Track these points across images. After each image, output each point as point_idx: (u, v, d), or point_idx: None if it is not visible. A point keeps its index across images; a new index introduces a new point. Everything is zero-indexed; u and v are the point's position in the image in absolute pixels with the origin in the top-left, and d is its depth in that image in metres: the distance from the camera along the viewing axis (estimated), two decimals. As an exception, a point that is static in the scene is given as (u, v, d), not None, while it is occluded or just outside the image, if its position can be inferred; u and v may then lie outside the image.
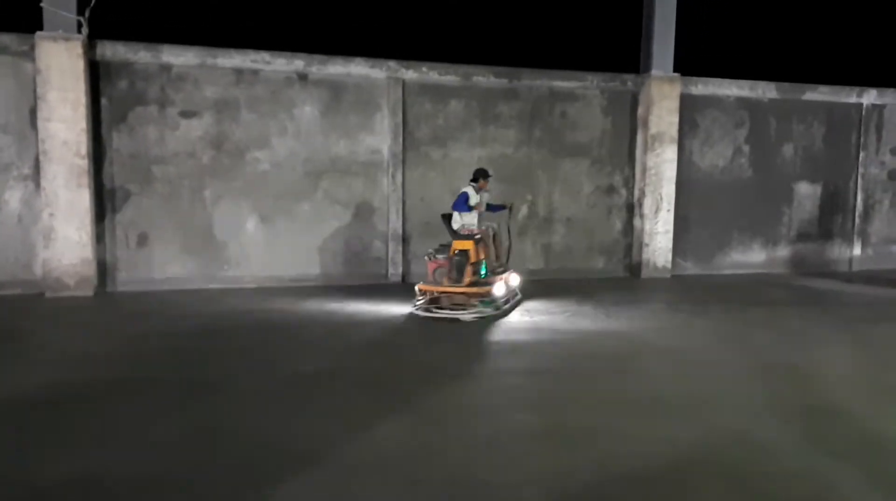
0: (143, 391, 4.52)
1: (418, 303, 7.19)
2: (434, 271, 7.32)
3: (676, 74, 9.93)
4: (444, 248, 7.39)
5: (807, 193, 10.96)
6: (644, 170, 10.02)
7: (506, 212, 8.09)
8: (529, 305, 7.69)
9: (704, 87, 10.33)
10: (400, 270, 9.31)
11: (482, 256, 7.38)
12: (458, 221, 7.59)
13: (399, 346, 5.93)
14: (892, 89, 11.09)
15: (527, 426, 3.94)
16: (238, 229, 8.77)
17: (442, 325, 6.71)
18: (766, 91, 10.58)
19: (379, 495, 3.09)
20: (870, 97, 11.01)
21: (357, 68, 8.95)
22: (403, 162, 9.21)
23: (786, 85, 10.64)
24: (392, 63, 9.04)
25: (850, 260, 11.24)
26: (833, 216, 11.13)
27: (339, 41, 9.48)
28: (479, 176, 7.72)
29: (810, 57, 12.39)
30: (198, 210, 8.63)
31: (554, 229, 9.94)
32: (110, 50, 8.16)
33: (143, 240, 8.47)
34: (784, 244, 10.94)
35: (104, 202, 8.30)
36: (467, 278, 7.06)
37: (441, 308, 7.07)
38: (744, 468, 3.42)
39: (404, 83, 9.11)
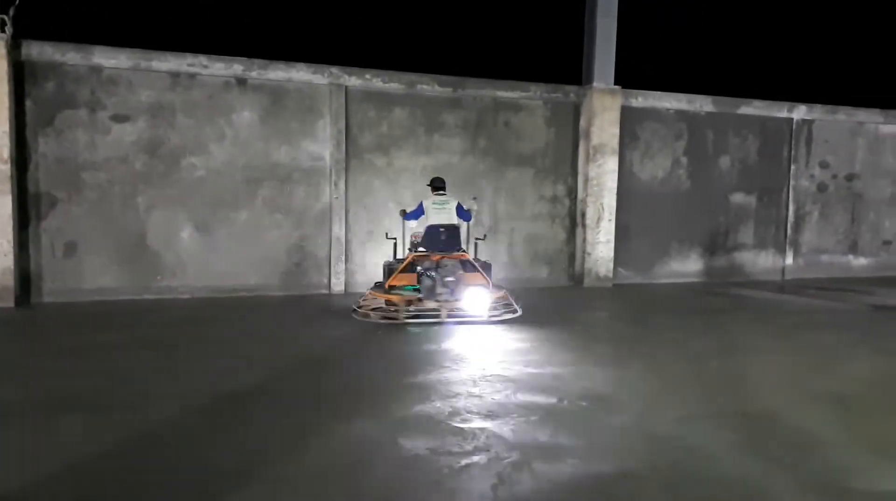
0: (57, 410, 4.26)
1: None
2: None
3: (617, 87, 10.11)
4: (432, 262, 7.15)
5: (742, 204, 11.29)
6: (586, 180, 10.14)
7: (471, 221, 8.06)
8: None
9: (644, 99, 10.54)
10: (343, 279, 9.14)
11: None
12: (462, 230, 7.62)
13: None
14: (820, 105, 11.55)
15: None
16: (173, 237, 8.47)
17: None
18: (703, 105, 10.87)
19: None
20: (800, 112, 11.43)
21: (298, 74, 8.78)
22: (346, 170, 9.07)
23: (722, 99, 10.96)
24: (334, 69, 8.91)
25: (783, 269, 11.62)
26: (767, 227, 11.49)
27: (279, 46, 9.33)
28: (442, 185, 7.80)
29: (744, 72, 12.84)
30: (130, 218, 8.30)
31: (498, 238, 9.94)
32: (36, 50, 7.80)
33: (70, 249, 8.08)
34: (720, 254, 11.24)
35: (28, 209, 7.89)
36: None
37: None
38: (679, 473, 3.42)
39: (347, 90, 8.99)
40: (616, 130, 10.14)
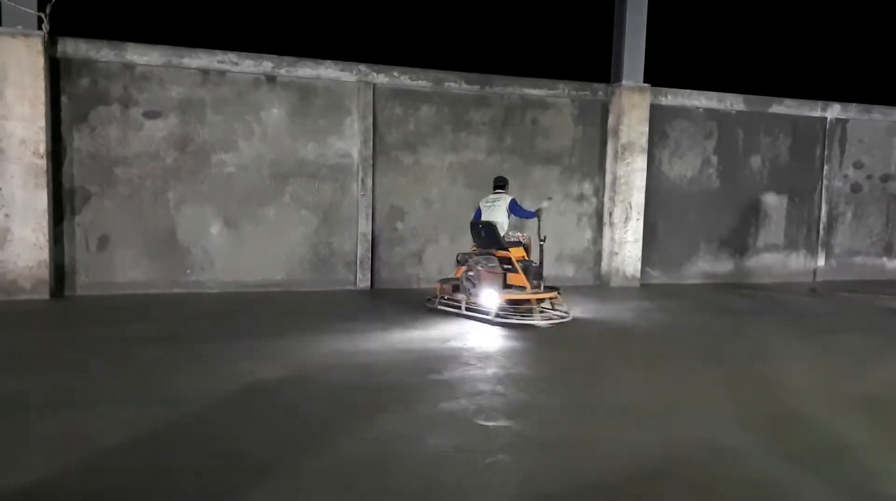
0: (84, 402, 4.34)
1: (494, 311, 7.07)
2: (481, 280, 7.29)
3: (647, 85, 10.01)
4: (471, 256, 7.49)
5: (773, 204, 11.11)
6: (614, 179, 10.06)
7: (535, 219, 7.92)
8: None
9: (674, 98, 10.42)
10: (369, 276, 9.19)
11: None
12: (502, 228, 7.49)
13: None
14: (854, 104, 11.32)
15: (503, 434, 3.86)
16: (202, 232, 8.58)
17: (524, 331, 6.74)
18: (733, 103, 10.72)
19: None
20: (833, 111, 11.21)
21: (327, 71, 8.84)
22: (373, 167, 9.11)
23: (753, 97, 10.79)
24: (362, 67, 8.95)
25: (815, 271, 11.41)
26: (798, 228, 11.30)
27: (308, 43, 9.39)
28: (505, 183, 7.88)
29: (776, 70, 12.62)
30: (161, 213, 8.42)
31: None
32: (72, 47, 7.94)
33: (103, 243, 8.23)
34: (750, 255, 11.07)
35: (63, 203, 8.05)
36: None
37: (523, 315, 7.10)
38: (709, 475, 3.38)
39: (375, 87, 9.03)
40: (645, 129, 10.04)
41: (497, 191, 7.81)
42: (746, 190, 10.95)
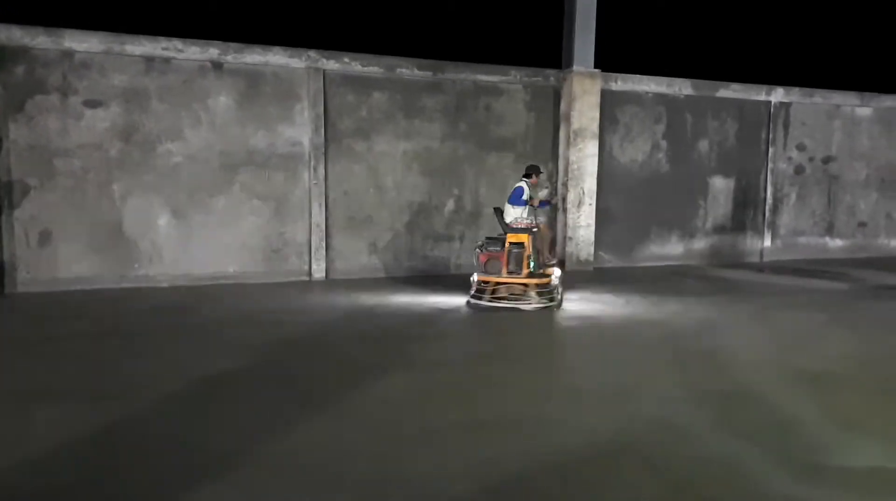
0: (31, 399, 4.20)
1: (474, 293, 7.30)
2: (486, 262, 7.36)
3: (597, 70, 10.10)
4: (494, 240, 7.50)
5: (721, 187, 11.37)
6: (567, 165, 10.14)
7: (549, 207, 8.07)
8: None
9: (624, 83, 10.54)
10: (324, 266, 9.09)
11: (537, 248, 7.59)
12: (510, 214, 7.62)
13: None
14: (797, 88, 11.63)
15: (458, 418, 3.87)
16: (149, 225, 8.36)
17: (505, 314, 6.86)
18: (682, 88, 10.90)
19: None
20: (777, 95, 11.50)
21: (275, 58, 8.67)
22: (326, 155, 8.99)
23: (701, 82, 10.99)
24: (312, 53, 8.80)
25: (762, 251, 11.74)
26: (745, 210, 11.59)
27: (256, 29, 9.19)
28: (532, 172, 7.89)
29: (723, 55, 12.87)
30: (105, 205, 8.17)
31: (480, 223, 9.92)
32: (5, 34, 7.61)
33: (45, 237, 7.95)
34: (700, 237, 11.32)
35: (0, 197, 7.74)
36: (525, 270, 7.27)
37: (498, 299, 7.29)
38: (660, 452, 3.46)
39: (325, 74, 8.89)
40: (596, 114, 10.14)
41: (522, 178, 7.89)
42: (695, 173, 11.18)
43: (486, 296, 7.33)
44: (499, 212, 7.78)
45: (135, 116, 8.20)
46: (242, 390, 4.42)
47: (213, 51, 8.43)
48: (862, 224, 12.45)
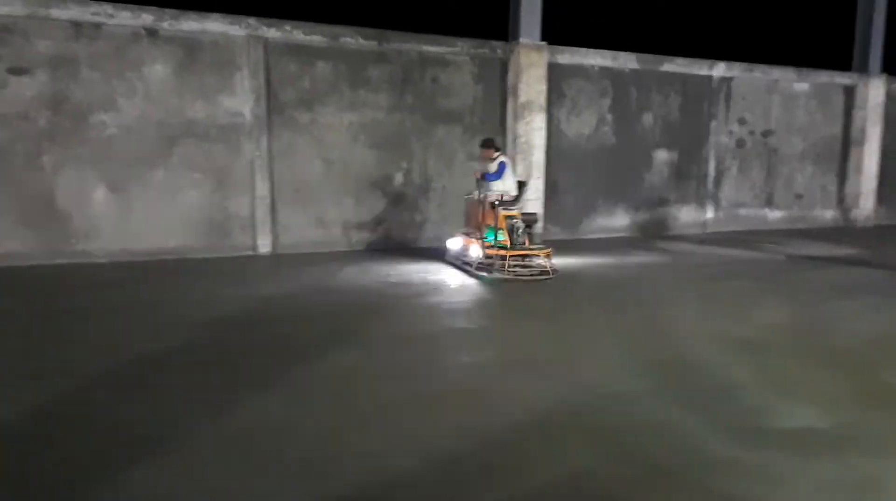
0: (-41, 379, 3.99)
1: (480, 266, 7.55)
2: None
3: (544, 43, 10.07)
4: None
5: (665, 159, 11.56)
6: (515, 138, 10.13)
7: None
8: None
9: (571, 56, 10.55)
10: (269, 241, 8.90)
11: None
12: (489, 188, 7.84)
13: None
14: (738, 63, 11.86)
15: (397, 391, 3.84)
16: (84, 198, 8.01)
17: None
18: (627, 62, 10.98)
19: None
20: (719, 70, 11.71)
21: (213, 25, 8.34)
22: (268, 126, 8.75)
23: (645, 56, 11.09)
24: (252, 20, 8.50)
25: (704, 223, 12.03)
26: (688, 182, 11.83)
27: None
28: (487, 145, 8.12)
29: (667, 30, 13.00)
30: (36, 178, 7.79)
31: (429, 196, 9.85)
32: (-83, -6, 7.11)
33: (-31, 213, 7.54)
34: (645, 209, 11.51)
35: (-82, 170, 7.29)
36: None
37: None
38: (604, 420, 3.50)
39: (266, 42, 8.62)
40: (543, 87, 10.13)
41: (495, 153, 8.07)
42: (640, 147, 11.32)
43: (499, 268, 7.47)
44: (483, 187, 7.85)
45: (63, 85, 7.80)
46: (181, 369, 4.29)
47: (146, 17, 8.05)
48: (798, 196, 12.87)
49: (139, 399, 3.72)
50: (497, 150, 8.10)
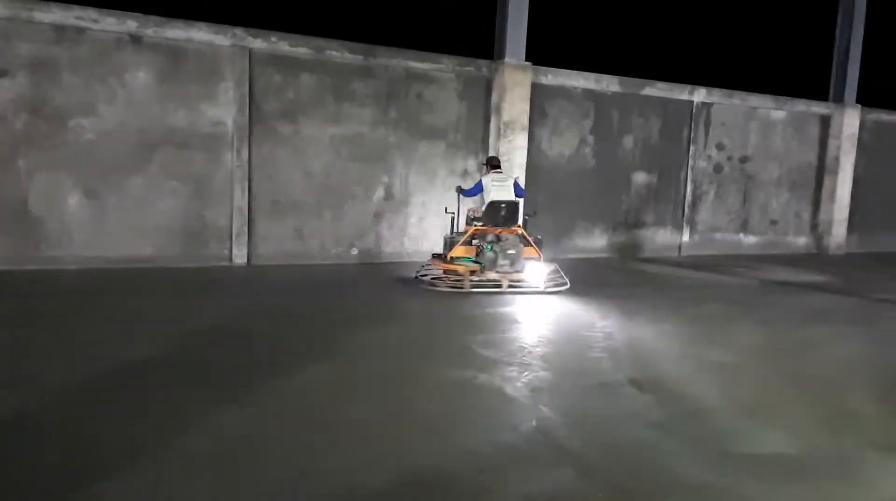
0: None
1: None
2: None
3: (528, 63, 10.17)
4: (484, 235, 7.83)
5: (644, 182, 11.69)
6: (497, 156, 10.17)
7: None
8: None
9: (554, 77, 10.67)
10: (246, 251, 8.83)
11: None
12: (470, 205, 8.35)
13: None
14: (717, 89, 12.07)
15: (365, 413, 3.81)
16: (58, 204, 7.90)
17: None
18: (609, 84, 11.13)
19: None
20: (699, 95, 11.91)
21: (199, 34, 8.32)
22: (250, 137, 8.71)
23: (627, 79, 11.25)
24: (238, 30, 8.49)
25: (680, 246, 12.16)
26: (666, 205, 11.97)
27: (178, 3, 8.77)
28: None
29: (649, 54, 13.20)
30: (9, 182, 7.66)
31: (410, 211, 9.86)
32: None
33: (-61, 214, 7.40)
34: (622, 231, 11.62)
35: None
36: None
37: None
38: (575, 440, 3.51)
39: (251, 53, 8.60)
40: (526, 107, 10.22)
41: (498, 170, 8.25)
42: (620, 169, 11.45)
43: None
44: (513, 206, 7.97)
45: (43, 89, 7.72)
46: (151, 380, 4.23)
47: (131, 23, 8.01)
48: (773, 222, 13.07)
49: (107, 413, 3.65)
50: (493, 167, 8.36)
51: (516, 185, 8.08)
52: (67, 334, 5.18)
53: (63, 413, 3.62)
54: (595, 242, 11.40)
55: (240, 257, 8.77)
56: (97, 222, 8.07)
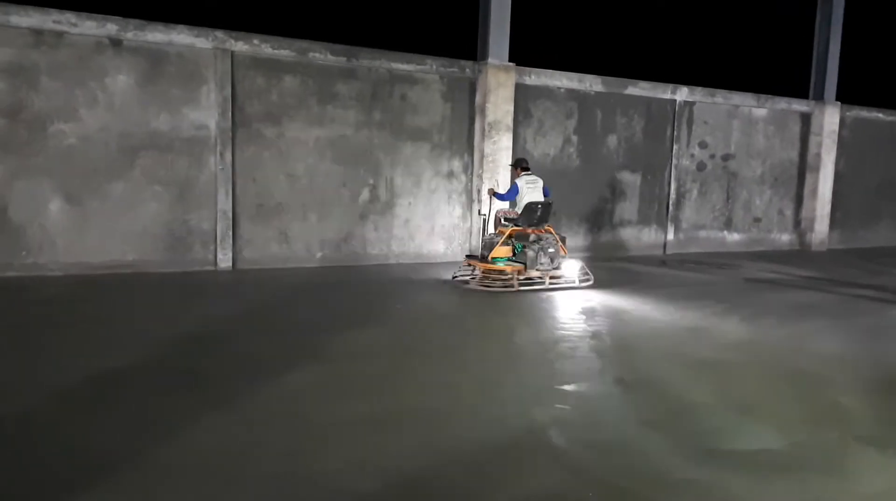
0: None
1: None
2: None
3: (512, 64, 10.19)
4: (525, 235, 8.13)
5: (628, 181, 11.75)
6: (482, 157, 10.19)
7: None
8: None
9: (538, 77, 10.69)
10: (230, 256, 8.77)
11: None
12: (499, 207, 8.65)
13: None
14: (700, 88, 12.15)
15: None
16: (39, 209, 7.81)
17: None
18: (593, 84, 11.17)
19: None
20: (682, 94, 11.98)
21: (180, 37, 8.25)
22: (233, 140, 8.66)
23: (610, 79, 11.30)
24: (219, 33, 8.44)
25: (664, 244, 12.23)
26: (650, 204, 12.03)
27: (158, 6, 8.71)
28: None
29: (632, 54, 13.28)
30: (-12, 188, 7.57)
31: (395, 212, 9.84)
32: None
33: (-83, 222, 7.28)
34: (607, 230, 11.67)
35: None
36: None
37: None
38: (566, 441, 3.51)
39: (233, 55, 8.55)
40: (510, 107, 10.24)
41: (530, 172, 8.49)
42: (604, 168, 11.50)
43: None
44: (548, 207, 8.30)
45: (22, 93, 7.63)
46: (136, 387, 4.18)
47: (111, 26, 7.93)
48: (757, 219, 13.18)
49: (91, 420, 3.60)
50: (524, 170, 8.52)
51: (544, 186, 8.46)
52: (48, 341, 5.12)
53: (43, 422, 3.57)
54: (579, 241, 11.42)
55: (224, 261, 8.71)
56: (79, 228, 7.99)
